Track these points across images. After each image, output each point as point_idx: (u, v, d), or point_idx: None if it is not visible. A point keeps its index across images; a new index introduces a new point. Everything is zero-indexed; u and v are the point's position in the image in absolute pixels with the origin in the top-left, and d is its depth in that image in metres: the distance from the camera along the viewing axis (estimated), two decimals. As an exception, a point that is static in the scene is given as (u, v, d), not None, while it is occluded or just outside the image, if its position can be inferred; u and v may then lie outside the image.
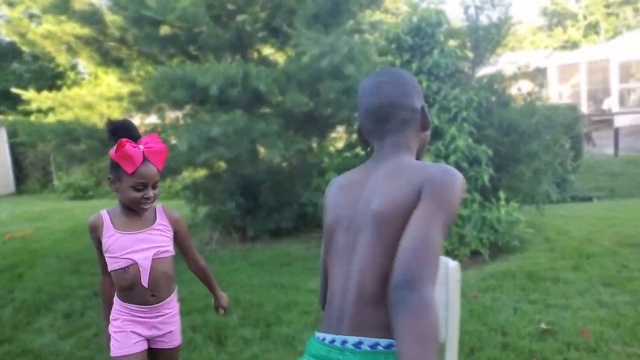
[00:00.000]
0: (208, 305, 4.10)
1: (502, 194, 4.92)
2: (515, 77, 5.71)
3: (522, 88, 5.91)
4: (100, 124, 6.16)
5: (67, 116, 6.58)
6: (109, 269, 1.84)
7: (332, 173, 5.34)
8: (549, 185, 5.77)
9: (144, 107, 6.15)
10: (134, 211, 1.84)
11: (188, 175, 7.19)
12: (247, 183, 5.79)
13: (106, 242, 1.82)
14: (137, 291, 1.85)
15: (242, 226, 6.12)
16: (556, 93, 17.23)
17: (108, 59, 6.18)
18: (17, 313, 4.12)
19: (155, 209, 1.92)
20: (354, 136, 5.91)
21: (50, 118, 7.91)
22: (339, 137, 7.50)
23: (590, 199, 8.16)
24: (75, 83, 16.78)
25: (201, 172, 6.57)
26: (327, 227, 1.28)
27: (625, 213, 6.73)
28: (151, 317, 1.90)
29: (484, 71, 5.78)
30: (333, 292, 1.19)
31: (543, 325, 3.28)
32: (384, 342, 1.05)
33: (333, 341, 1.11)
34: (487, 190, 4.98)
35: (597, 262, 4.57)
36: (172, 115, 6.42)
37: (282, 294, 4.26)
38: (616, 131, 11.44)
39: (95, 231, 1.85)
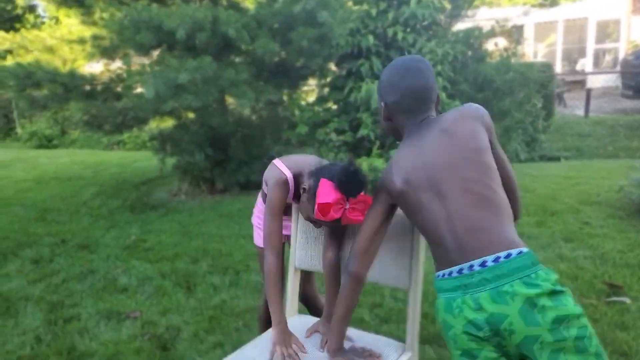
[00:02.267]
0: (176, 254, 4.11)
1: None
2: (492, 33, 5.65)
3: (498, 44, 5.85)
4: (63, 68, 5.88)
5: (27, 59, 6.25)
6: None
7: (303, 127, 5.27)
8: (519, 143, 5.83)
9: (108, 52, 5.87)
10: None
11: (156, 125, 7.00)
12: (216, 134, 5.66)
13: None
14: None
15: (211, 178, 6.03)
16: (532, 51, 17.24)
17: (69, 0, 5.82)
18: (-17, 259, 4.06)
19: None
20: (326, 89, 5.82)
21: (9, 61, 7.51)
22: (311, 90, 7.36)
23: (558, 159, 8.29)
24: (35, 27, 15.96)
25: (169, 123, 6.38)
26: (399, 192, 1.39)
27: (590, 173, 6.88)
28: None
29: (460, 26, 5.69)
30: (441, 237, 1.31)
31: (505, 278, 3.35)
32: (503, 254, 1.23)
33: (471, 267, 1.25)
34: (458, 145, 4.99)
35: (560, 219, 4.68)
36: (138, 61, 6.15)
37: (250, 244, 4.20)
38: (588, 92, 11.53)
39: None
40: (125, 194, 6.52)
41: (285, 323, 1.64)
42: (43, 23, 16.93)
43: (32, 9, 17.45)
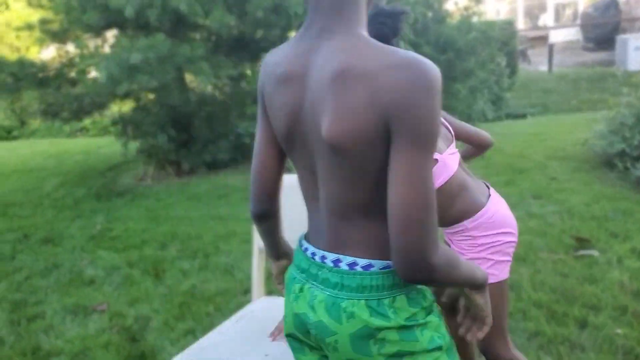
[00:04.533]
0: (144, 241, 4.02)
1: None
2: (451, -7, 5.57)
3: (458, 3, 5.78)
4: (11, 55, 5.59)
5: (-28, 49, 5.92)
6: None
7: (267, 100, 5.13)
8: (485, 103, 5.84)
9: (58, 36, 5.58)
10: None
11: (117, 109, 6.77)
12: (177, 115, 5.49)
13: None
14: None
15: (177, 160, 5.89)
16: (493, 10, 17.22)
17: (10, -19, 5.50)
18: (-62, 260, 3.89)
19: None
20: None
21: (-49, 51, 7.12)
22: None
23: (524, 116, 8.37)
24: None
25: (129, 106, 6.17)
26: (276, 130, 1.00)
27: (556, 128, 6.97)
28: None
29: (420, -14, 5.58)
30: (306, 199, 1.03)
31: (475, 239, 3.37)
32: (362, 261, 0.91)
33: (314, 255, 0.99)
34: (423, 110, 4.96)
35: (528, 176, 4.74)
36: (92, 44, 5.89)
37: (220, 225, 4.19)
38: (550, 47, 11.62)
39: None
40: (90, 181, 6.33)
41: None
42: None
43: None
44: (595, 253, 3.01)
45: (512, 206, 3.92)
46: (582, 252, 3.04)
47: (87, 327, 2.69)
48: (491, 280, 1.40)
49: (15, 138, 12.25)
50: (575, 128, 6.61)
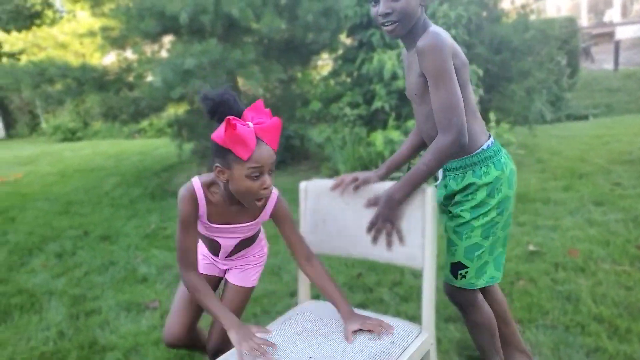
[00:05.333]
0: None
1: (492, 116, 4.75)
2: (509, -10, 5.37)
3: (515, 1, 5.56)
4: (75, 62, 5.88)
5: (41, 57, 6.29)
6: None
7: (316, 103, 5.14)
8: (543, 104, 5.61)
9: (118, 42, 5.82)
10: (240, 203, 1.53)
11: (173, 111, 6.99)
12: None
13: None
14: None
15: (229, 161, 5.98)
16: (554, 6, 16.52)
17: (76, -9, 5.78)
18: (11, 255, 4.13)
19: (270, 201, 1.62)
20: (339, 62, 5.66)
21: (23, 60, 7.59)
22: (326, 65, 7.20)
23: (586, 117, 7.98)
24: (55, 22, 16.05)
25: (183, 108, 6.35)
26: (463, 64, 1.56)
27: (621, 129, 6.60)
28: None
29: (474, -15, 5.42)
30: (476, 111, 1.66)
31: (531, 247, 3.23)
32: None
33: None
34: (477, 112, 4.81)
35: (589, 181, 4.50)
36: (149, 49, 6.11)
37: (269, 226, 4.20)
38: (616, 44, 11.01)
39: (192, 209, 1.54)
40: (146, 182, 6.56)
41: (239, 321, 1.50)
42: (62, 18, 16.99)
43: (49, 4, 17.51)
44: (662, 265, 2.81)
45: (571, 213, 3.77)
46: (648, 264, 2.85)
47: (140, 324, 2.77)
48: None
49: (79, 139, 12.92)
50: (643, 130, 6.24)
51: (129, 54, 6.00)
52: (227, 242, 1.69)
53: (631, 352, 2.11)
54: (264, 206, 1.60)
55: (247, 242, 1.75)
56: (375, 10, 1.51)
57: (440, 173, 1.72)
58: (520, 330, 2.38)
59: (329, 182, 1.83)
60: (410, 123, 4.66)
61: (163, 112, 6.64)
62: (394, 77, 4.70)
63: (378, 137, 4.48)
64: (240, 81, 5.64)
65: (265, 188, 1.43)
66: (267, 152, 1.41)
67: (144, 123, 11.33)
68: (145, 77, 5.38)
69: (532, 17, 5.31)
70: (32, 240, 4.48)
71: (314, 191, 1.85)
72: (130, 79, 5.63)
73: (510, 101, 5.00)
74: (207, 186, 1.55)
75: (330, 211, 1.79)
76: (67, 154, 10.13)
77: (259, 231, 1.79)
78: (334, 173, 5.08)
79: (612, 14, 16.43)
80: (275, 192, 1.62)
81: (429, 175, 1.56)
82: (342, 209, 1.78)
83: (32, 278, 3.60)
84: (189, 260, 1.55)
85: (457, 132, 1.48)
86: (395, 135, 4.46)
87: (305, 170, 5.99)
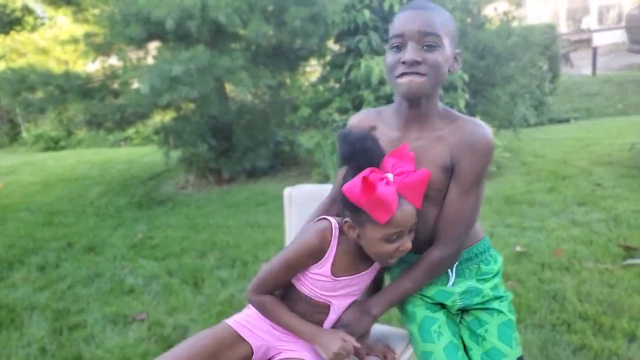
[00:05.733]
0: (183, 249, 4.07)
1: (478, 119, 4.82)
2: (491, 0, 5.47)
3: (497, 9, 5.67)
4: (57, 69, 5.82)
5: (21, 63, 6.20)
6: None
7: (305, 109, 5.15)
8: (526, 108, 5.70)
9: (102, 49, 5.78)
10: (360, 255, 1.31)
11: (160, 119, 6.94)
12: (218, 124, 5.58)
13: (311, 272, 1.32)
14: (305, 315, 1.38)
15: (217, 168, 5.98)
16: (535, 14, 16.83)
17: (57, -3, 5.72)
18: (-10, 269, 4.03)
19: None
20: (327, 68, 5.70)
21: (2, 66, 7.47)
22: (313, 71, 7.23)
23: (567, 121, 8.13)
24: (35, 29, 15.83)
25: (170, 115, 6.32)
26: None
27: (601, 132, 6.74)
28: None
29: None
30: None
31: (518, 248, 3.28)
32: None
33: None
34: (462, 116, 4.87)
35: (572, 183, 4.58)
36: (134, 56, 6.07)
37: (259, 233, 4.21)
38: (594, 50, 11.25)
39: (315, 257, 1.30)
40: (133, 190, 6.49)
41: (321, 328, 1.34)
42: (43, 24, 16.74)
43: (29, 11, 17.25)
44: (645, 263, 2.87)
45: (555, 214, 3.83)
46: (630, 261, 2.92)
47: (127, 337, 2.71)
48: None
49: (62, 148, 12.71)
50: (621, 133, 6.37)
51: (114, 61, 5.95)
52: (342, 303, 1.37)
53: (615, 349, 2.15)
54: None
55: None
56: (396, 58, 1.18)
57: (452, 273, 1.39)
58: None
59: (315, 188, 1.73)
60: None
61: (149, 120, 6.59)
62: (382, 82, 4.74)
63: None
64: (228, 87, 5.64)
65: (403, 250, 1.23)
66: (409, 213, 1.19)
67: (130, 131, 11.21)
68: (131, 84, 5.34)
69: (515, 24, 5.41)
70: (13, 253, 4.35)
71: (300, 197, 1.74)
72: (115, 86, 5.59)
73: (495, 105, 5.08)
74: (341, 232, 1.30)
75: (316, 218, 1.73)
76: (50, 163, 9.97)
77: None
78: (324, 179, 5.09)
79: (589, 21, 16.79)
80: None
81: (413, 293, 1.35)
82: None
83: (13, 292, 3.49)
84: (266, 287, 1.33)
85: (459, 246, 1.29)
86: (382, 140, 4.49)
87: (295, 176, 6.00)
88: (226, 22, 4.32)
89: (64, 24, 8.34)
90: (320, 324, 1.36)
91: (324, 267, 1.29)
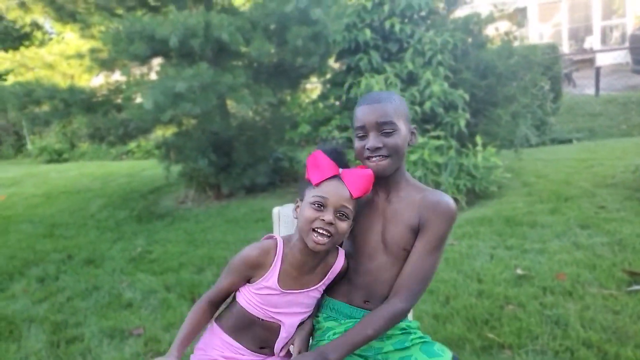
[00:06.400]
0: (182, 264, 4.06)
1: (479, 139, 4.81)
2: (492, 18, 5.49)
3: (499, 28, 5.70)
4: (63, 83, 5.86)
5: (28, 77, 6.26)
6: (240, 304, 1.44)
7: (305, 126, 5.16)
8: (528, 128, 5.69)
9: (106, 65, 5.83)
10: (310, 254, 1.39)
11: (162, 133, 6.97)
12: (218, 139, 5.60)
13: (258, 286, 1.41)
14: (257, 339, 1.48)
15: (217, 183, 5.98)
16: (537, 33, 16.93)
17: (63, 14, 5.78)
18: (-10, 281, 4.03)
19: (337, 255, 1.48)
20: (328, 86, 5.73)
21: (10, 81, 7.55)
22: (314, 88, 7.26)
23: (570, 141, 8.11)
24: (44, 44, 16.00)
25: (171, 130, 6.35)
26: None
27: (604, 153, 6.70)
28: None
29: (459, 13, 5.55)
30: None
31: (519, 271, 3.24)
32: None
33: None
34: (463, 136, 4.86)
35: (574, 205, 4.54)
36: (138, 71, 6.12)
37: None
38: (597, 70, 11.27)
39: (253, 269, 1.42)
40: (133, 204, 6.49)
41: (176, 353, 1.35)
42: (51, 39, 16.93)
43: (38, 26, 17.45)
44: (649, 289, 2.83)
45: (557, 236, 3.79)
46: (635, 287, 2.87)
47: (123, 352, 2.70)
48: None
49: (65, 160, 12.78)
50: (626, 154, 6.34)
51: (118, 76, 6.00)
52: (291, 321, 1.45)
53: (621, 378, 2.11)
54: (329, 265, 1.46)
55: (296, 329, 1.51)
56: (362, 144, 1.40)
57: None
58: (509, 356, 2.38)
59: None
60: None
61: (151, 134, 6.62)
62: (382, 101, 4.76)
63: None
64: (230, 103, 5.66)
65: (323, 221, 1.31)
66: (340, 190, 1.34)
67: (132, 145, 11.27)
68: (134, 99, 5.37)
69: (516, 44, 5.43)
70: (14, 264, 4.37)
71: (288, 216, 1.77)
72: (119, 100, 5.62)
73: (497, 125, 5.07)
74: (287, 245, 1.42)
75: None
76: (53, 175, 10.00)
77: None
78: (322, 196, 5.07)
79: (592, 41, 16.86)
80: (342, 250, 1.51)
81: (371, 340, 1.40)
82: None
83: (12, 304, 3.50)
84: (213, 297, 1.43)
85: (416, 301, 1.42)
86: (383, 158, 4.49)
87: (294, 192, 5.99)
88: (229, 40, 4.35)
89: (71, 39, 8.41)
90: (272, 344, 1.45)
91: (270, 279, 1.39)
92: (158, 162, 6.63)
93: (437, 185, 4.68)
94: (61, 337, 2.92)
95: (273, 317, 1.42)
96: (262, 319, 1.42)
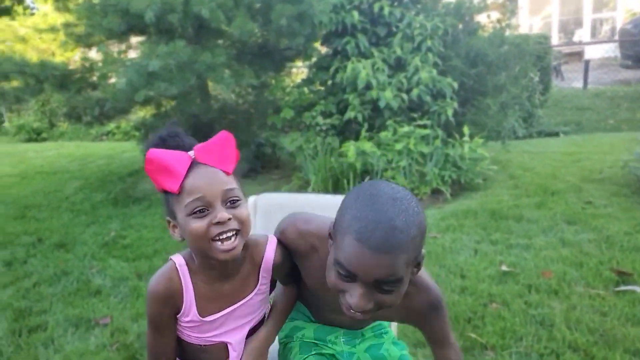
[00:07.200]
0: (156, 251, 3.90)
1: (466, 130, 4.68)
2: (484, 6, 5.33)
3: (491, 15, 5.55)
4: (35, 58, 5.59)
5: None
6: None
7: (288, 111, 4.99)
8: (516, 120, 5.58)
9: (82, 40, 5.56)
10: (222, 268, 1.13)
11: (142, 114, 6.73)
12: (198, 122, 5.39)
13: (181, 322, 1.17)
14: None
15: (196, 167, 5.78)
16: (527, 25, 16.84)
17: (38, -15, 5.50)
18: (-46, 265, 3.84)
19: (263, 247, 1.20)
20: (313, 70, 5.54)
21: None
22: (299, 73, 7.07)
23: (556, 134, 8.05)
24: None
25: (150, 111, 6.12)
26: None
27: (591, 147, 6.64)
28: None
29: (451, -2, 5.39)
30: None
31: (504, 267, 3.14)
32: None
33: None
34: (450, 125, 4.74)
35: (561, 199, 4.45)
36: (116, 49, 5.86)
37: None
38: (586, 63, 11.21)
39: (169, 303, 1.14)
40: (110, 186, 6.29)
41: None
42: (33, 14, 16.39)
43: (20, 0, 16.85)
44: (638, 289, 2.74)
45: (544, 231, 3.69)
46: (623, 287, 2.78)
47: (88, 342, 2.57)
48: None
49: (44, 140, 12.44)
50: (614, 149, 6.27)
51: (94, 53, 5.75)
52: (237, 337, 1.21)
53: (608, 384, 2.02)
54: (256, 263, 1.19)
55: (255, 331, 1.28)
56: (343, 289, 0.98)
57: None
58: (493, 358, 2.27)
59: (281, 196, 1.67)
60: (383, 134, 4.55)
61: (130, 115, 6.38)
62: (368, 87, 4.59)
63: (350, 148, 4.36)
64: (211, 86, 5.45)
65: (218, 224, 1.02)
66: (208, 175, 1.03)
67: (111, 125, 10.98)
68: (110, 78, 5.14)
69: (508, 32, 5.29)
70: (-20, 247, 4.19)
71: (265, 206, 1.66)
72: (94, 79, 5.38)
73: (485, 115, 4.95)
74: (191, 266, 1.13)
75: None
76: (31, 154, 9.70)
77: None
78: (304, 183, 4.93)
79: (582, 34, 16.83)
80: (272, 238, 1.22)
81: None
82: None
83: (-25, 289, 3.34)
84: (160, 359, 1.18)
85: None
86: (367, 146, 4.34)
87: (276, 179, 5.82)
88: (209, 17, 4.13)
89: (47, 12, 8.09)
90: None
91: (190, 313, 1.13)
92: (137, 144, 6.41)
93: (421, 176, 4.56)
94: (23, 325, 2.78)
95: (213, 341, 1.18)
96: (204, 345, 1.19)
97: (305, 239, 1.16)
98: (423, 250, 1.00)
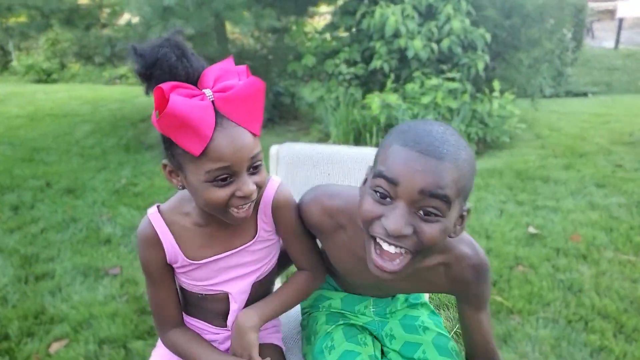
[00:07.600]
0: (167, 200, 3.79)
1: (496, 85, 4.43)
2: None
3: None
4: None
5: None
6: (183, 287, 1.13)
7: (310, 57, 4.74)
8: (544, 78, 5.31)
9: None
10: (220, 221, 0.99)
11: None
12: (214, 66, 5.18)
13: (178, 269, 1.08)
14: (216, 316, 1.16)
15: (210, 116, 5.61)
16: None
17: None
18: (-41, 206, 3.76)
19: (264, 189, 1.04)
20: (337, 14, 5.22)
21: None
22: (323, 20, 6.74)
23: (584, 94, 7.73)
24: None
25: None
26: None
27: (621, 109, 6.38)
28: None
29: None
30: None
31: (531, 229, 3.00)
32: None
33: None
34: (480, 80, 4.48)
35: (590, 161, 4.27)
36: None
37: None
38: (620, 22, 10.68)
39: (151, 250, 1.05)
40: (122, 132, 6.15)
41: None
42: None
43: None
44: (673, 258, 2.60)
45: (571, 194, 3.51)
46: (656, 255, 2.64)
47: (96, 292, 2.48)
48: None
49: (54, 81, 12.22)
50: (645, 111, 6.02)
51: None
52: (239, 287, 1.09)
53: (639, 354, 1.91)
54: (255, 218, 1.06)
55: (263, 289, 1.16)
56: (375, 212, 0.83)
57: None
58: (519, 322, 2.16)
59: (306, 147, 1.50)
60: (409, 87, 4.31)
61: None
62: (396, 35, 4.32)
63: (374, 100, 4.14)
64: (229, 27, 5.17)
65: (241, 198, 0.90)
66: (236, 139, 0.86)
67: (124, 68, 10.73)
68: (121, 16, 4.89)
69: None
70: (-12, 190, 4.10)
71: (288, 157, 1.51)
72: (104, 15, 5.13)
73: (516, 71, 4.68)
74: (173, 212, 1.04)
75: (308, 182, 1.46)
76: (40, 96, 9.54)
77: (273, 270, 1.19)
78: (324, 136, 4.75)
79: (615, -9, 16.00)
80: (275, 179, 1.07)
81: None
82: (322, 181, 1.47)
83: (-20, 232, 3.26)
84: (165, 317, 1.09)
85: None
86: (393, 99, 4.11)
87: (294, 131, 5.64)
88: (230, -49, 3.85)
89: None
90: (226, 317, 1.12)
91: (178, 258, 1.04)
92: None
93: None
94: (30, 272, 2.69)
95: (212, 289, 1.08)
96: (204, 294, 1.09)
97: (331, 215, 1.03)
98: (469, 204, 0.88)
